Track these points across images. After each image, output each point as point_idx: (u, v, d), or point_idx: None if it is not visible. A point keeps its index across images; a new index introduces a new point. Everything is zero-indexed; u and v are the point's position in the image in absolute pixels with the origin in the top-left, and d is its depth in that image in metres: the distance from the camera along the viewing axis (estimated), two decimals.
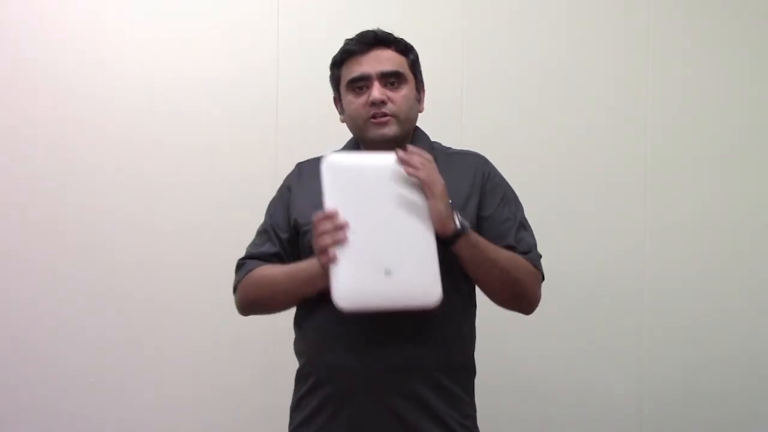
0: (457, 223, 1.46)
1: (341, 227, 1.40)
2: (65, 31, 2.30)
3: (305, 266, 1.51)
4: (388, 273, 1.40)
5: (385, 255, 1.41)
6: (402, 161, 1.45)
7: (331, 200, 1.43)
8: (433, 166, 1.47)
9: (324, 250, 1.40)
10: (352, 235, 1.40)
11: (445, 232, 1.45)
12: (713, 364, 2.43)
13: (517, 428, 2.36)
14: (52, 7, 2.30)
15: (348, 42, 1.65)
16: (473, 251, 1.50)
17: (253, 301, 1.64)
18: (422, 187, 1.45)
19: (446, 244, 1.47)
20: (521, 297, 1.59)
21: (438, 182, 1.45)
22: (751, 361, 2.44)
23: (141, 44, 2.32)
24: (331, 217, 1.41)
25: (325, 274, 1.42)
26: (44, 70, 2.29)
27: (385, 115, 1.58)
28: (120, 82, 2.31)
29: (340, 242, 1.39)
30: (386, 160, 1.46)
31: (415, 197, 1.45)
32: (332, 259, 1.39)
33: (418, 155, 1.46)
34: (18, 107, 2.29)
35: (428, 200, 1.44)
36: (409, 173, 1.44)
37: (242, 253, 1.69)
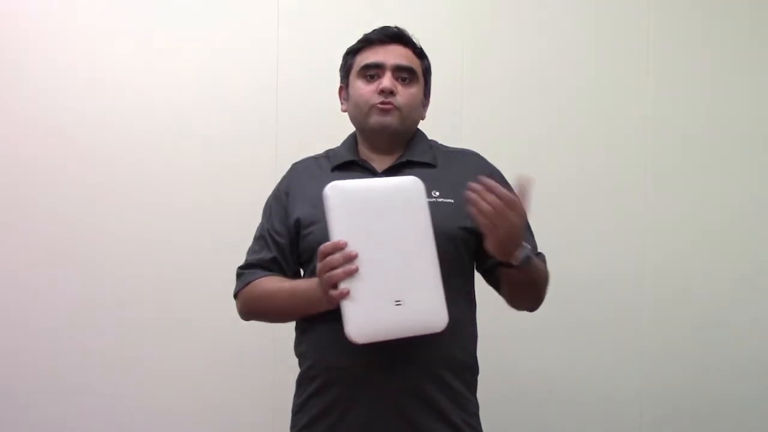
0: (521, 256, 1.44)
1: (351, 258, 1.36)
2: (67, 31, 2.29)
3: (305, 288, 1.48)
4: (398, 303, 1.39)
5: (394, 284, 1.39)
6: (473, 204, 1.38)
7: (338, 229, 1.38)
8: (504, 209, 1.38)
9: (334, 284, 1.37)
10: (360, 265, 1.36)
11: (509, 260, 1.45)
12: (714, 367, 2.43)
13: (517, 428, 2.36)
14: (52, 9, 2.29)
15: (368, 33, 1.66)
16: (529, 278, 1.52)
17: (254, 313, 1.66)
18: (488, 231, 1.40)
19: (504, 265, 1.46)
20: (540, 302, 1.64)
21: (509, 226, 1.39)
22: (752, 363, 2.44)
23: (142, 43, 2.31)
24: (341, 248, 1.36)
25: (327, 301, 1.40)
26: (44, 67, 2.28)
27: (390, 104, 1.59)
28: (120, 79, 2.30)
29: (351, 275, 1.36)
30: (389, 184, 1.44)
31: (419, 219, 1.42)
32: (344, 295, 1.36)
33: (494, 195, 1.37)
34: (18, 105, 2.28)
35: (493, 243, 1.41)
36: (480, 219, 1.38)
37: (242, 254, 1.69)
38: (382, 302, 1.38)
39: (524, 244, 1.45)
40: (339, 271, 1.36)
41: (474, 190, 1.37)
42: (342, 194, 1.40)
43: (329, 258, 1.36)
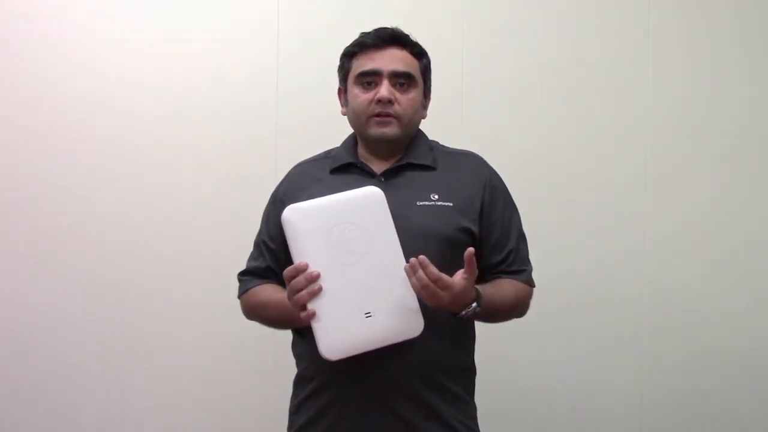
0: (464, 313, 1.46)
1: (313, 279, 1.39)
2: (65, 35, 2.30)
3: (290, 306, 1.47)
4: (368, 315, 1.41)
5: (362, 297, 1.41)
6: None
7: (298, 251, 1.41)
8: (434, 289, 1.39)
9: (302, 307, 1.40)
10: (326, 283, 1.39)
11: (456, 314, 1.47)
12: (713, 364, 2.43)
13: (517, 429, 2.36)
14: (52, 10, 2.30)
15: (364, 35, 1.62)
16: (487, 317, 1.56)
17: (254, 319, 1.69)
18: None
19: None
20: (516, 317, 1.66)
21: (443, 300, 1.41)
22: (752, 360, 2.44)
23: (141, 46, 2.32)
24: (302, 270, 1.39)
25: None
26: (44, 72, 2.29)
27: (389, 115, 1.57)
28: (118, 82, 2.31)
29: (315, 295, 1.39)
30: (347, 198, 1.44)
31: (383, 229, 1.43)
32: (311, 316, 1.39)
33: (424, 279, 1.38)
34: (18, 106, 2.29)
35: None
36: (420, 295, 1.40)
37: (242, 255, 1.71)
38: (351, 316, 1.41)
39: (472, 305, 1.45)
40: (303, 293, 1.39)
41: (410, 265, 1.38)
42: (300, 215, 1.42)
43: (293, 282, 1.40)
